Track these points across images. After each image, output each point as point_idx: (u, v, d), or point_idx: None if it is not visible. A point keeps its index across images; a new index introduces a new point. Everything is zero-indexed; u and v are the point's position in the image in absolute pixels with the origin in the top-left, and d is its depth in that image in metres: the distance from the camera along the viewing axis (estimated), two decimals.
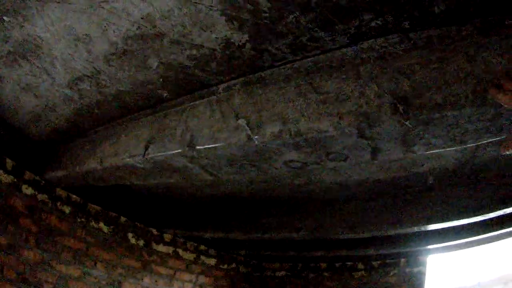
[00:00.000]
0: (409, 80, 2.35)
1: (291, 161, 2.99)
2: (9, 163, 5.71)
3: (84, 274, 6.44)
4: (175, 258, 8.02)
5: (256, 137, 2.77)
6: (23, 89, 4.43)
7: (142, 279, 7.31)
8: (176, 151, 3.38)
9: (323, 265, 9.32)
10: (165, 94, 3.67)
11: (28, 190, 5.92)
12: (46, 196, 6.12)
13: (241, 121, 2.89)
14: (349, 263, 8.94)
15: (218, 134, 3.03)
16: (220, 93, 3.25)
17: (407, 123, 2.32)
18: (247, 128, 2.83)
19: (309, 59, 2.74)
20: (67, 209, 6.40)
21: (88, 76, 3.79)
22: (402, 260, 8.42)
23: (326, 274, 9.28)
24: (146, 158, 3.72)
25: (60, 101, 4.43)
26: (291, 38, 2.61)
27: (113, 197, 6.87)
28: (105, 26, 3.10)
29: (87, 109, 4.42)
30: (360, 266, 8.87)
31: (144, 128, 3.93)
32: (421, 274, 8.30)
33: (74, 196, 6.49)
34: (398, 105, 2.29)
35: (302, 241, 7.34)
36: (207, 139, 3.12)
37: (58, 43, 3.48)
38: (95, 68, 3.61)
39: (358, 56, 2.59)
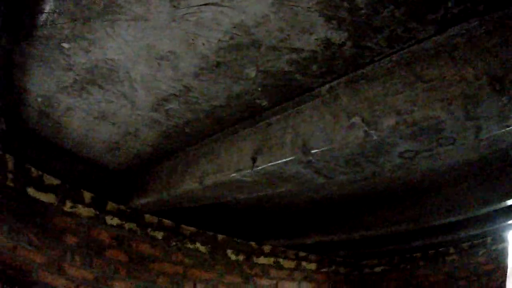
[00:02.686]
0: (497, 59, 2.43)
1: (406, 151, 3.08)
2: (87, 195, 5.90)
3: None
4: (276, 268, 8.10)
5: (373, 132, 2.86)
6: (97, 118, 4.47)
7: None
8: (289, 158, 3.45)
9: (418, 254, 9.34)
10: (264, 103, 3.73)
11: (113, 221, 6.09)
12: (135, 224, 6.29)
13: (356, 119, 2.98)
14: (441, 249, 8.98)
15: (333, 135, 3.11)
16: (324, 95, 3.33)
17: (503, 99, 2.42)
18: (363, 124, 2.92)
19: (405, 50, 2.83)
20: (159, 235, 6.55)
21: (175, 95, 3.79)
22: (489, 238, 8.44)
23: (421, 263, 9.32)
24: (255, 171, 3.80)
25: (143, 125, 4.48)
26: (387, 32, 2.69)
27: (207, 215, 7.01)
28: (192, 40, 3.05)
29: (175, 130, 4.48)
30: (452, 250, 8.91)
31: (246, 141, 4.00)
32: (505, 250, 8.29)
33: (166, 220, 6.65)
34: (494, 84, 2.39)
35: (399, 233, 7.37)
36: (321, 142, 3.20)
37: (136, 64, 3.44)
38: (183, 86, 3.62)
39: (449, 43, 2.67)
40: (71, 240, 5.75)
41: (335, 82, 3.24)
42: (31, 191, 5.49)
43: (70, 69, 3.68)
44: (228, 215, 7.22)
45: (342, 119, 3.09)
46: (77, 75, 3.75)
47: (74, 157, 5.83)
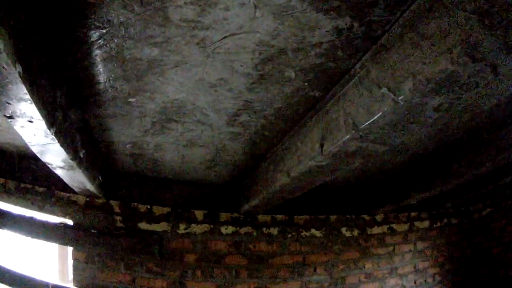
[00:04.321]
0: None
1: (439, 105, 3.15)
2: (199, 214, 6.47)
3: (303, 284, 6.94)
4: (391, 235, 8.37)
5: (399, 98, 3.00)
6: (186, 146, 5.09)
7: (364, 266, 7.72)
8: (346, 137, 3.69)
9: None
10: (317, 94, 4.01)
11: (228, 230, 6.61)
12: (250, 227, 6.75)
13: (384, 90, 3.14)
14: None
15: (372, 108, 3.29)
16: (358, 72, 3.52)
17: (497, 33, 2.45)
18: (390, 93, 3.07)
19: (406, 13, 2.95)
20: (274, 231, 7.00)
21: (242, 109, 4.21)
22: None
23: None
24: (325, 155, 4.09)
25: (226, 140, 5.00)
26: (381, 2, 2.82)
27: (316, 201, 7.50)
28: (230, 65, 3.39)
29: (255, 136, 4.97)
30: None
31: (313, 130, 4.32)
32: None
33: (279, 215, 7.06)
34: (483, 20, 2.42)
35: (488, 174, 7.26)
36: (365, 116, 3.40)
37: (198, 96, 3.90)
38: (244, 101, 4.05)
39: None
40: (189, 258, 6.30)
41: (364, 58, 3.42)
42: (143, 225, 6.14)
43: (145, 116, 4.31)
44: (335, 196, 7.65)
45: (374, 92, 3.26)
46: (153, 118, 4.37)
47: (179, 183, 6.45)
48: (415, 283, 8.67)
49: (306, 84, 3.78)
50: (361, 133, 3.60)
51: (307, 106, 4.25)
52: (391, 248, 8.35)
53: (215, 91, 3.81)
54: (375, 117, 3.31)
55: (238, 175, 6.37)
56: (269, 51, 3.25)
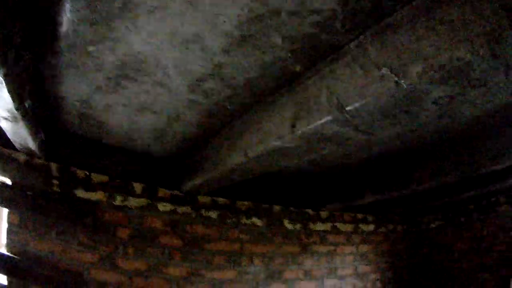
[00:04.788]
0: None
1: (439, 97, 3.03)
2: (137, 187, 6.07)
3: (239, 273, 6.68)
4: (334, 234, 8.27)
5: (403, 80, 2.82)
6: (138, 110, 4.66)
7: (303, 263, 7.51)
8: (326, 118, 3.46)
9: (471, 206, 9.37)
10: (297, 68, 3.71)
11: (166, 207, 6.27)
12: (188, 207, 6.43)
13: (384, 70, 2.94)
14: (492, 199, 8.95)
15: (365, 89, 3.09)
16: (353, 50, 3.29)
17: None
18: (392, 75, 2.88)
19: None
20: (213, 214, 6.73)
21: (209, 74, 3.83)
22: None
23: (474, 215, 9.35)
24: (295, 135, 3.82)
25: (184, 108, 4.57)
26: None
27: (261, 188, 7.17)
28: (212, 19, 3.06)
29: (216, 107, 4.53)
30: (502, 199, 8.90)
31: (285, 108, 4.00)
32: None
33: (221, 198, 6.77)
34: None
35: (450, 185, 7.43)
36: (355, 98, 3.18)
37: (164, 51, 3.50)
38: (215, 64, 3.64)
39: None
40: (123, 233, 5.97)
41: (362, 37, 3.20)
42: (79, 192, 5.75)
43: (101, 70, 3.88)
44: (282, 185, 7.36)
45: (372, 72, 3.06)
46: (109, 73, 3.92)
47: (121, 152, 6.00)
48: (354, 286, 8.64)
49: (290, 55, 3.51)
50: (346, 116, 3.36)
51: (283, 81, 3.96)
52: (333, 248, 8.27)
53: (186, 48, 3.45)
54: (367, 100, 3.11)
55: (186, 149, 6.01)
56: (261, 9, 2.95)
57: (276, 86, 4.05)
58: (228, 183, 5.81)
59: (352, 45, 3.31)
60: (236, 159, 4.76)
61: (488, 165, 5.61)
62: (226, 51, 3.46)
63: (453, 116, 4.50)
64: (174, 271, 6.26)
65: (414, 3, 2.83)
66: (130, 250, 6.05)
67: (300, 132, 3.76)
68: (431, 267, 10.09)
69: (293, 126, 3.82)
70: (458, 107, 4.28)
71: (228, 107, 4.57)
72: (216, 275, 6.62)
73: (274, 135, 4.10)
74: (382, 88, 2.97)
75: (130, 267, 6.01)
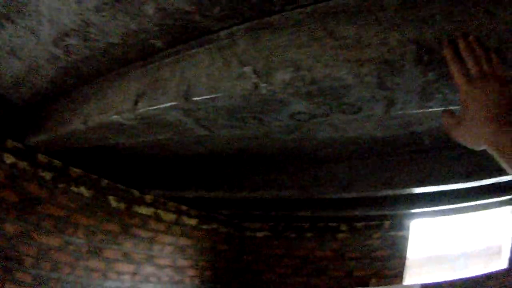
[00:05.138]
0: (433, 30, 2.20)
1: (299, 113, 2.84)
2: None
3: (65, 243, 6.33)
4: (156, 220, 7.93)
5: (264, 85, 2.57)
6: (8, 53, 4.18)
7: (123, 244, 7.20)
8: (170, 103, 3.15)
9: (306, 225, 9.37)
10: (158, 44, 3.42)
11: (9, 159, 5.79)
12: (27, 163, 5.97)
13: (247, 69, 2.67)
14: (332, 224, 9.04)
15: (219, 84, 2.82)
16: (222, 39, 3.02)
17: (429, 74, 2.19)
18: (254, 75, 2.62)
19: (322, 4, 2.54)
20: (47, 175, 6.24)
21: (75, 30, 3.47)
22: (386, 223, 8.59)
23: (308, 234, 9.39)
24: (136, 114, 3.50)
25: (44, 61, 4.16)
26: None
27: (95, 158, 6.73)
28: None
29: (72, 67, 4.15)
30: (343, 227, 9.01)
31: (134, 82, 3.68)
32: (404, 239, 8.56)
33: (56, 161, 6.33)
34: (423, 55, 2.15)
35: (286, 200, 7.37)
36: (206, 89, 2.90)
37: None
38: (84, 21, 3.31)
39: (377, 3, 2.40)
40: None
41: (235, 28, 2.96)
42: None
43: None
44: (117, 160, 6.98)
45: (233, 67, 2.80)
46: None
47: None
48: (172, 278, 8.41)
49: (156, 28, 3.22)
50: (191, 106, 3.10)
51: (141, 54, 3.68)
52: (153, 234, 7.99)
53: None
54: (218, 95, 2.84)
55: (38, 103, 5.49)
56: None
57: (133, 58, 3.79)
58: (67, 147, 5.42)
59: (222, 33, 3.05)
60: (76, 125, 4.38)
61: (335, 192, 5.64)
62: (98, 10, 3.15)
63: (306, 135, 4.67)
64: (10, 228, 5.73)
65: (308, 8, 2.60)
66: None
67: (141, 111, 3.45)
68: (253, 277, 10.04)
69: (136, 103, 3.52)
70: (316, 128, 4.41)
71: (83, 69, 4.21)
72: (45, 240, 6.15)
73: (115, 108, 3.78)
74: (238, 87, 2.71)
75: None
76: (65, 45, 3.75)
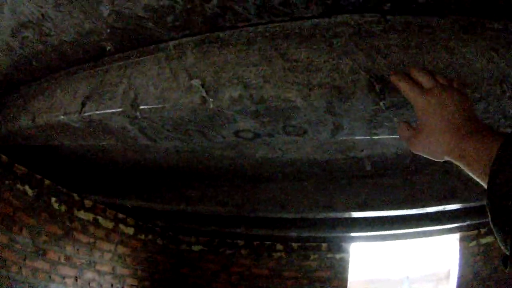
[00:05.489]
0: (387, 60, 2.20)
1: (243, 130, 2.80)
2: None
3: (11, 240, 6.22)
4: (95, 226, 7.81)
5: (211, 100, 2.53)
6: None
7: (65, 247, 7.08)
8: (117, 109, 3.07)
9: (241, 242, 9.38)
10: (108, 47, 3.35)
11: None
12: None
13: (195, 82, 2.63)
14: (267, 242, 9.02)
15: (167, 94, 2.77)
16: (170, 50, 2.99)
17: (381, 103, 2.18)
18: (202, 89, 2.59)
19: (276, 24, 2.54)
20: None
21: (33, 22, 3.31)
22: (324, 245, 8.61)
23: (243, 251, 9.35)
24: (82, 116, 3.37)
25: (1, 52, 3.95)
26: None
27: (38, 157, 6.51)
28: None
29: (25, 60, 3.99)
30: (279, 246, 8.98)
31: (83, 83, 3.58)
32: (345, 261, 8.55)
33: (3, 156, 6.20)
34: (375, 83, 2.14)
35: (221, 216, 7.31)
36: (153, 99, 2.84)
37: None
38: (42, 14, 3.17)
39: (331, 29, 2.40)
40: None
41: (185, 40, 2.93)
42: None
43: None
44: (59, 160, 6.72)
45: (182, 79, 2.75)
46: None
47: None
48: (112, 286, 8.29)
49: (108, 30, 3.16)
50: (137, 114, 2.99)
51: (91, 55, 3.58)
52: (93, 240, 7.85)
53: None
54: (165, 105, 2.77)
55: None
56: None
57: (83, 58, 3.68)
58: (14, 143, 5.12)
59: (172, 44, 3.01)
60: (24, 121, 4.21)
61: (272, 211, 5.65)
62: (57, 4, 3.03)
63: (244, 153, 4.72)
64: None
65: (260, 27, 2.61)
66: None
67: (87, 114, 3.34)
68: None
69: (84, 105, 3.40)
70: (255, 146, 4.46)
71: (35, 64, 4.06)
72: None
73: (63, 108, 3.64)
74: (185, 99, 2.66)
75: None
76: (22, 37, 3.58)
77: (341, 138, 2.79)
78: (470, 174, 1.40)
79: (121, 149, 5.59)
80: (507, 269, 1.10)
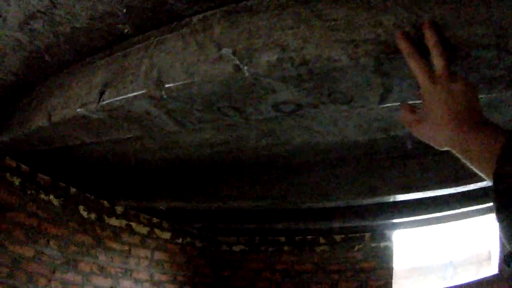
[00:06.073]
0: (429, 15, 2.02)
1: (284, 102, 2.59)
2: None
3: (38, 253, 6.05)
4: (129, 233, 7.68)
5: (246, 67, 2.31)
6: None
7: (98, 256, 6.94)
8: (139, 92, 2.87)
9: (282, 238, 9.18)
10: (126, 30, 3.16)
11: None
12: None
13: (225, 51, 2.43)
14: (309, 236, 8.85)
15: (195, 68, 2.55)
16: (195, 24, 2.78)
17: (429, 57, 1.87)
18: (234, 57, 2.38)
19: None
20: (16, 181, 5.96)
21: (42, 12, 3.15)
22: (367, 234, 8.42)
23: (286, 248, 9.14)
24: (101, 105, 3.18)
25: (10, 48, 3.82)
26: None
27: (61, 166, 6.41)
28: None
29: (36, 56, 3.84)
30: (322, 240, 8.82)
31: (100, 72, 3.39)
32: (389, 250, 8.36)
33: (23, 165, 6.04)
34: (421, 37, 1.89)
35: (261, 212, 7.15)
36: (179, 75, 2.63)
37: None
38: (51, 1, 3.00)
39: None
40: None
41: (210, 12, 2.73)
42: None
43: None
44: (84, 167, 6.61)
45: (210, 50, 2.55)
46: None
47: None
48: None
49: (124, 10, 2.98)
50: (162, 93, 2.77)
51: (107, 41, 3.41)
52: (127, 248, 7.71)
53: None
54: (194, 80, 2.55)
55: (3, 98, 5.03)
56: None
57: (99, 46, 3.51)
58: (32, 148, 5.08)
59: (195, 18, 2.82)
60: (39, 121, 4.05)
61: (312, 201, 5.52)
62: None
63: (281, 140, 4.61)
64: None
65: None
66: None
67: (107, 102, 3.16)
68: None
69: (102, 94, 3.23)
70: (290, 132, 4.37)
71: (47, 58, 3.92)
72: (17, 249, 5.85)
73: (80, 100, 3.46)
74: (217, 70, 2.44)
75: None
76: (30, 29, 3.45)
77: (389, 104, 2.54)
78: (473, 168, 1.41)
79: (149, 149, 5.41)
80: (511, 267, 1.18)
